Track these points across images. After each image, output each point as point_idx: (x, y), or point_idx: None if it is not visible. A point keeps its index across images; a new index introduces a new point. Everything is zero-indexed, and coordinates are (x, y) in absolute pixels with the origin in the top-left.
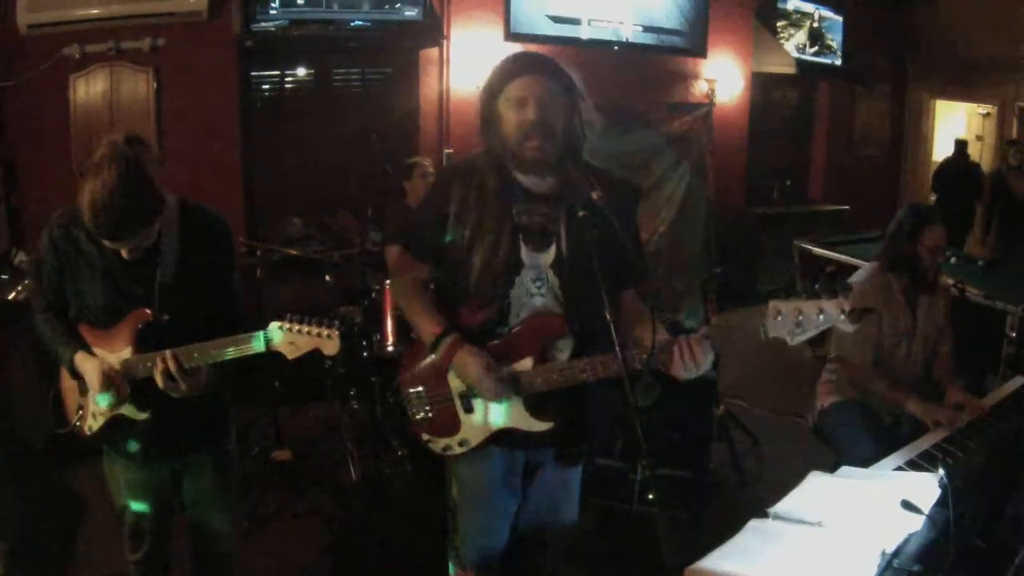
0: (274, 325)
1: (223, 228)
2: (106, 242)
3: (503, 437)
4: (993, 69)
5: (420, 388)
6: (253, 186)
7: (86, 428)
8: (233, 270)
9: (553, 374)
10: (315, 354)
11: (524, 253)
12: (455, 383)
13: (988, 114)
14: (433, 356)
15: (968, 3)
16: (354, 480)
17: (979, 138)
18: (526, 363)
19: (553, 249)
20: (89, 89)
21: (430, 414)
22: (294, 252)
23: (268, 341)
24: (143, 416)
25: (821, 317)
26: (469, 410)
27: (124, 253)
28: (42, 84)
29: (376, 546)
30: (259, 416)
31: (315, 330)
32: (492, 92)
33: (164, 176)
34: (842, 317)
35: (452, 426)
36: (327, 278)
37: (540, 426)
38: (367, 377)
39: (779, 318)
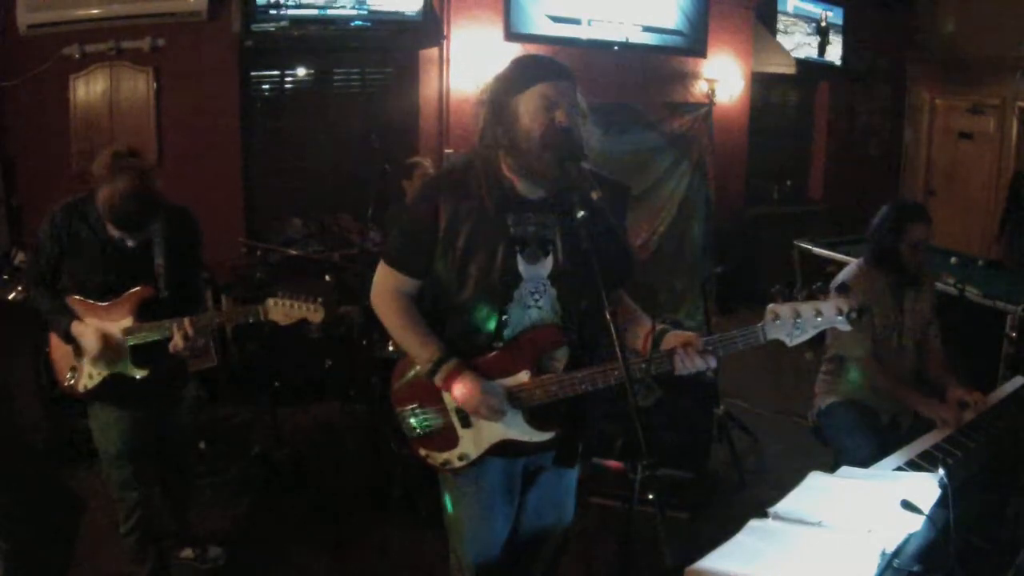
0: (269, 301)
1: (194, 220)
2: (120, 233)
3: (503, 448)
4: (993, 69)
5: (414, 405)
6: (253, 186)
7: (80, 387)
8: (200, 254)
9: (551, 386)
10: (303, 325)
11: (522, 266)
12: (450, 398)
13: (987, 114)
14: (433, 378)
15: (968, 3)
16: (354, 480)
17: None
18: (522, 376)
19: (550, 259)
20: (89, 89)
21: (427, 430)
22: (294, 252)
23: (265, 312)
24: (142, 373)
25: (819, 319)
26: (466, 424)
27: (130, 242)
28: (42, 84)
29: (376, 546)
30: (259, 416)
31: (304, 304)
32: (514, 88)
33: (165, 176)
34: (839, 318)
35: (450, 441)
36: (327, 278)
37: (541, 436)
38: (367, 377)
39: (777, 321)
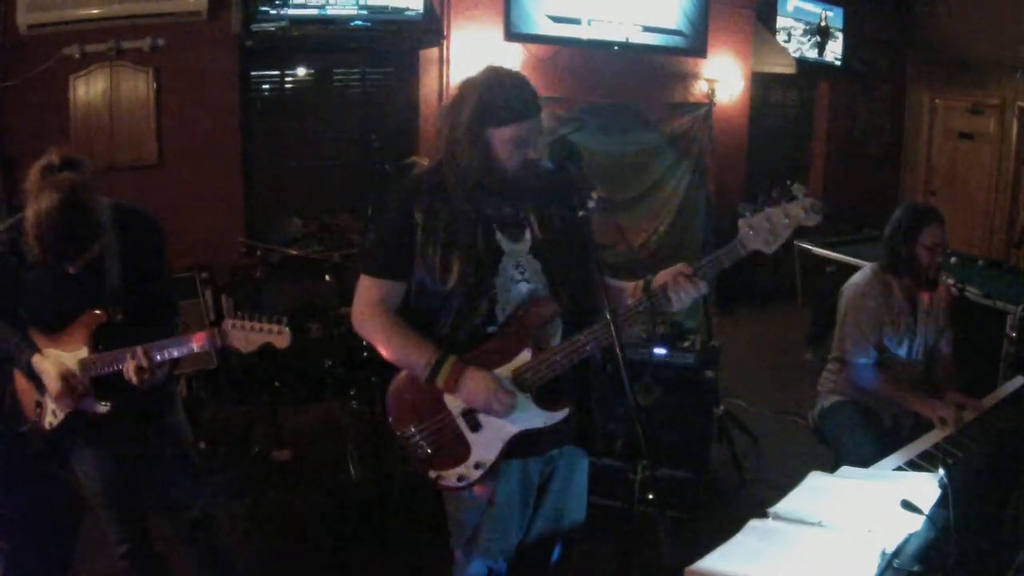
0: (227, 322)
1: (154, 224)
2: (52, 263)
3: (518, 445)
4: (993, 69)
5: (415, 422)
6: (253, 186)
7: (46, 424)
8: (165, 262)
9: (556, 356)
10: (269, 347)
11: (502, 241)
12: (453, 403)
13: (987, 114)
14: (434, 382)
15: (968, 3)
16: (354, 480)
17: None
18: (525, 355)
19: (528, 235)
20: (89, 89)
21: (435, 447)
22: (294, 252)
23: (223, 335)
24: (105, 407)
25: (787, 220)
26: (476, 427)
27: (71, 269)
28: (42, 84)
29: (376, 546)
30: (259, 416)
31: (266, 326)
32: (489, 121)
33: (164, 176)
34: (803, 214)
35: (461, 452)
36: (327, 278)
37: (555, 417)
38: (367, 377)
39: (751, 232)
